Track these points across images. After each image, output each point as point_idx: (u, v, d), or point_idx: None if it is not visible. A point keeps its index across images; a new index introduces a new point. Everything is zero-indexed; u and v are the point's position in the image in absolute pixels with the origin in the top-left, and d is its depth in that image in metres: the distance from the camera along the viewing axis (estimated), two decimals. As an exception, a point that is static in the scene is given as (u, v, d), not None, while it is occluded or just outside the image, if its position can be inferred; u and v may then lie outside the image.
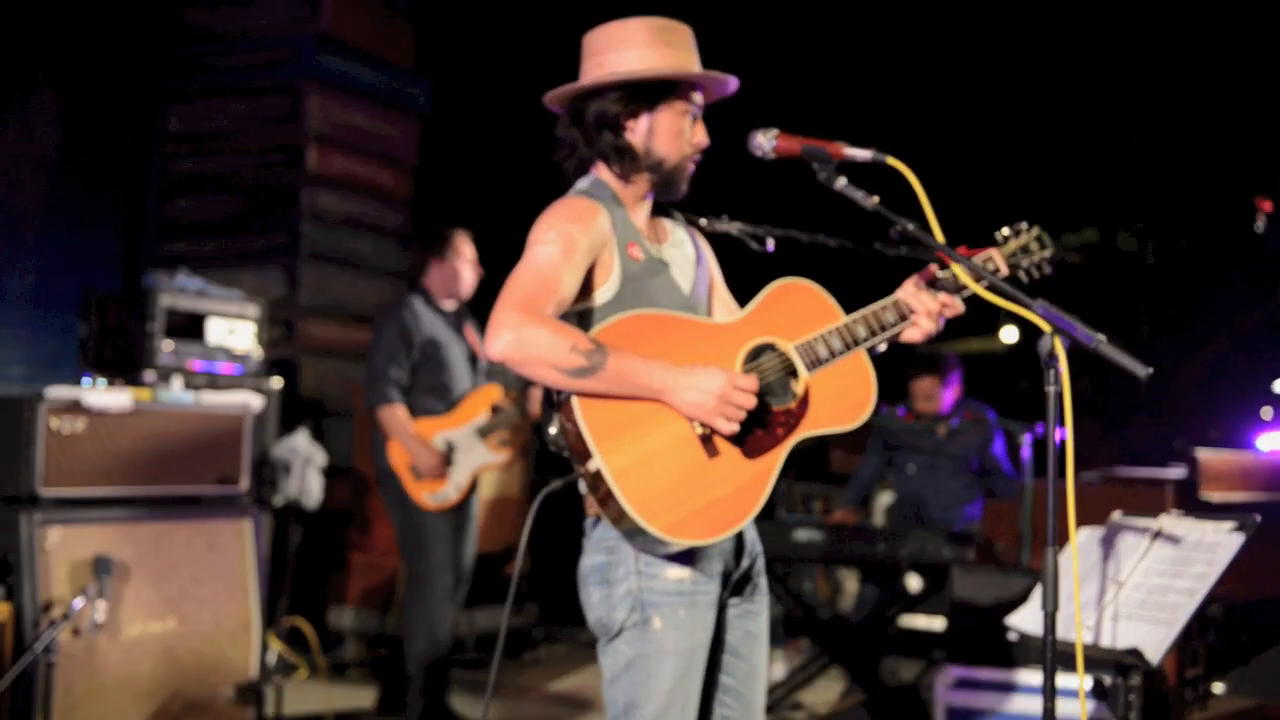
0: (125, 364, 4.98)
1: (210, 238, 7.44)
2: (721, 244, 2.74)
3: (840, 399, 2.43)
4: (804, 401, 2.39)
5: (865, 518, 6.26)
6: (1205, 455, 4.40)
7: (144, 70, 7.41)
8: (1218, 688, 4.72)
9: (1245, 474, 4.63)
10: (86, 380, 4.20)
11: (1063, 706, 2.34)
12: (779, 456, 2.36)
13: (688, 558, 2.34)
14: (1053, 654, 2.29)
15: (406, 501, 4.89)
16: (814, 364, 2.40)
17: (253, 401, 4.62)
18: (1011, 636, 2.90)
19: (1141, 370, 2.23)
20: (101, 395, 4.13)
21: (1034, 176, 10.32)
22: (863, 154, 2.46)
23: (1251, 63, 8.85)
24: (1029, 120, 9.74)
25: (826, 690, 5.90)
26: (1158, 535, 2.84)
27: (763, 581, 2.54)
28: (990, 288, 2.36)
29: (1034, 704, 3.90)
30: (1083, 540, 2.94)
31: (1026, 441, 5.03)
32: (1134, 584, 2.77)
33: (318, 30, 7.26)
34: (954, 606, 4.21)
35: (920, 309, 2.48)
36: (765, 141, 2.50)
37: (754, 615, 2.51)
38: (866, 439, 6.30)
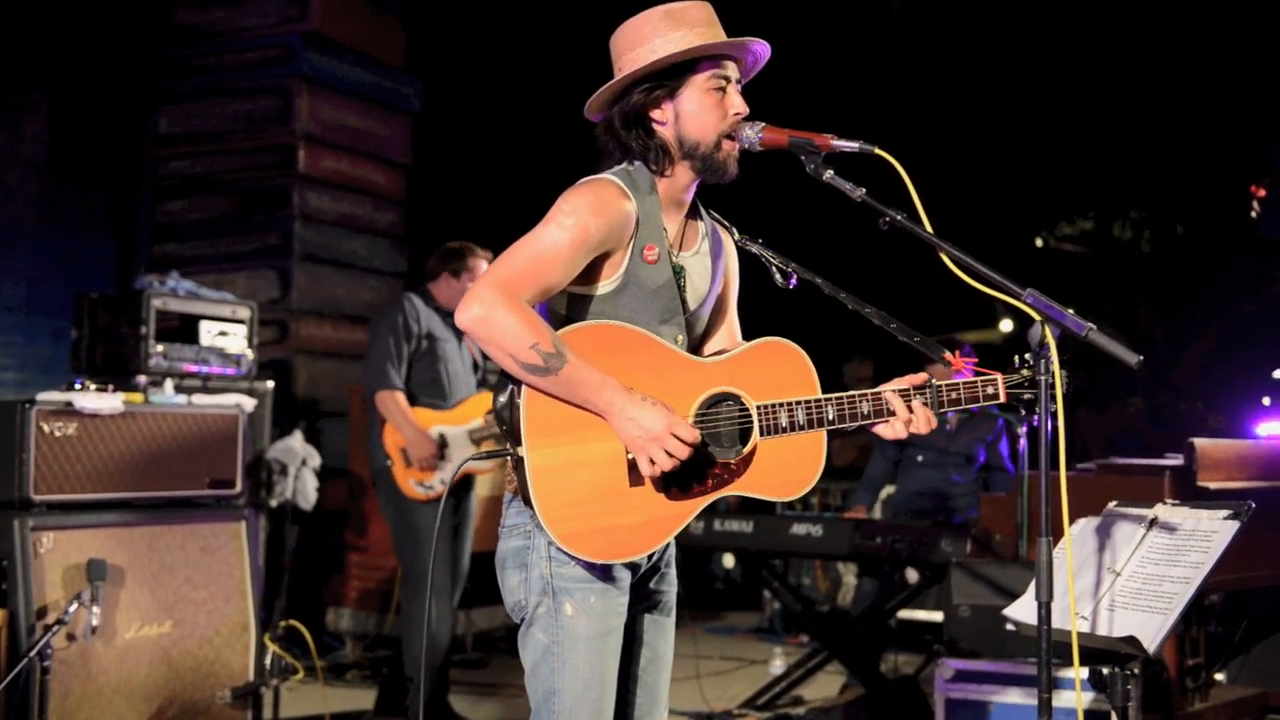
0: (118, 367, 4.98)
1: (202, 239, 7.43)
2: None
3: (783, 470, 2.39)
4: (746, 460, 2.37)
5: (868, 512, 6.26)
6: (1203, 443, 4.38)
7: (134, 72, 7.40)
8: (1218, 676, 4.72)
9: (1243, 462, 4.62)
10: (78, 384, 4.18)
11: (1061, 697, 2.32)
12: (699, 505, 2.36)
13: None
14: (1047, 644, 2.28)
15: (400, 499, 4.89)
16: (771, 429, 2.37)
17: (246, 403, 4.60)
18: (1009, 628, 2.88)
19: (1132, 358, 2.22)
20: (93, 398, 4.11)
21: (1028, 166, 10.31)
22: (850, 145, 2.42)
23: (1245, 51, 8.84)
24: (1023, 111, 9.73)
25: (826, 684, 5.89)
26: (1153, 524, 2.83)
27: (671, 572, 2.56)
28: (977, 276, 2.33)
29: (1033, 695, 3.89)
30: (1078, 530, 2.93)
31: (1023, 432, 5.03)
32: (1130, 573, 2.76)
33: (307, 30, 7.25)
34: (952, 599, 4.20)
35: (900, 415, 2.40)
36: (752, 134, 2.47)
37: (661, 604, 2.54)
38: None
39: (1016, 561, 4.61)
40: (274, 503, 5.16)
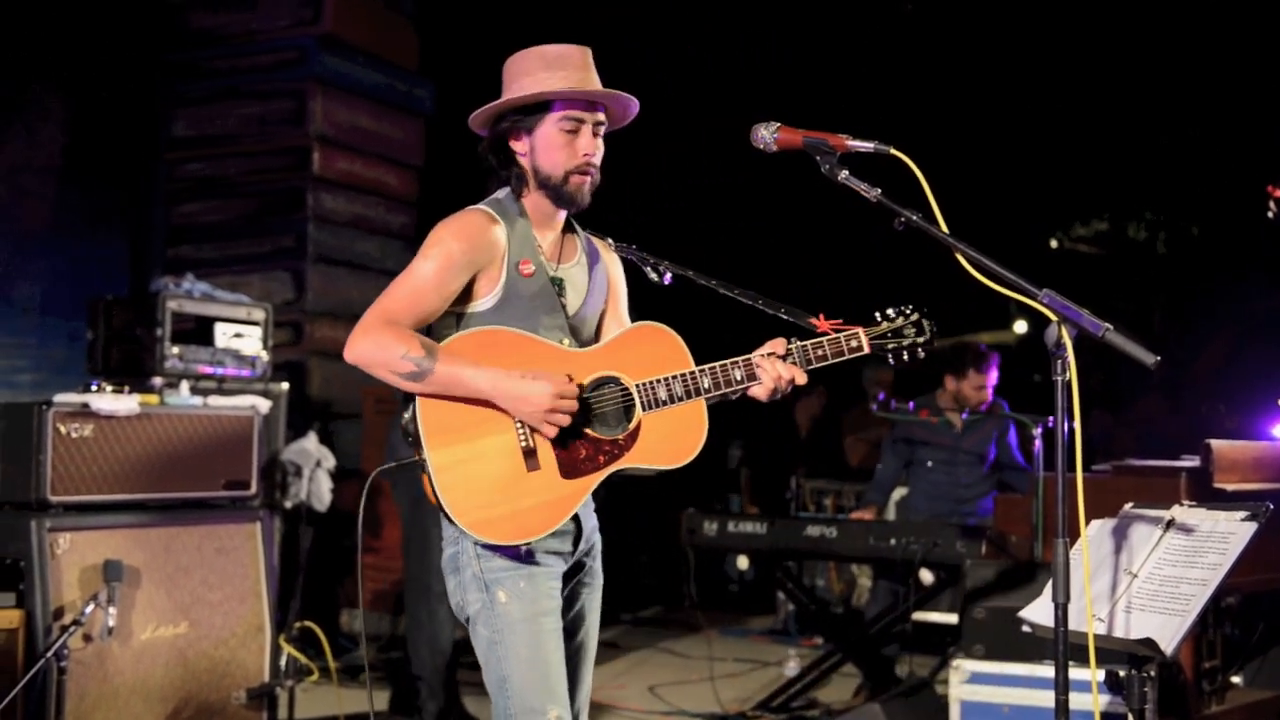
0: (133, 369, 5.00)
1: (217, 242, 7.45)
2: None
3: (670, 440, 2.56)
4: (633, 435, 2.55)
5: (879, 513, 6.26)
6: (1219, 445, 4.37)
7: (148, 75, 7.42)
8: (1235, 679, 4.69)
9: (1260, 463, 4.60)
10: (95, 386, 4.20)
11: (1078, 699, 2.32)
12: (594, 481, 2.54)
13: (518, 548, 2.52)
14: (1064, 646, 2.27)
15: (419, 500, 4.89)
16: (652, 404, 2.54)
17: (261, 405, 4.61)
18: (1025, 630, 2.88)
19: (1149, 358, 2.21)
20: (109, 400, 4.12)
21: (1043, 167, 10.28)
22: (865, 146, 2.47)
23: (1262, 51, 8.80)
24: (1037, 111, 9.70)
25: (841, 687, 5.88)
26: (1170, 525, 2.81)
27: (596, 565, 2.72)
28: (992, 276, 2.33)
29: (1050, 697, 3.89)
30: (1095, 531, 2.91)
31: (1038, 434, 5.02)
32: (1147, 574, 2.75)
33: (320, 32, 7.27)
34: (967, 601, 4.19)
35: (767, 375, 2.58)
36: (767, 135, 2.53)
37: (586, 597, 2.71)
38: (883, 438, 6.30)
39: (1031, 563, 4.60)
40: (289, 504, 5.18)
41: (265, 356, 5.34)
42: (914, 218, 2.38)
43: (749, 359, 2.59)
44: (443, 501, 2.45)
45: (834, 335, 2.63)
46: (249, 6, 7.46)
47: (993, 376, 5.88)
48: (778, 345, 2.61)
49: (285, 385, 5.44)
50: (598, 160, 2.63)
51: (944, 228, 2.37)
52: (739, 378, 2.58)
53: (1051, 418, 2.36)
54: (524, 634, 2.51)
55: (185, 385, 4.78)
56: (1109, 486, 4.30)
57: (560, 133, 2.61)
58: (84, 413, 4.08)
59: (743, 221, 9.92)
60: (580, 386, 2.51)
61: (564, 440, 2.50)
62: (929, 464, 5.98)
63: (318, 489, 5.23)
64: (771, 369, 2.57)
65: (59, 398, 4.08)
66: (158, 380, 4.90)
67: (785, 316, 2.69)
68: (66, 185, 6.85)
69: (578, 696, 2.69)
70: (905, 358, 2.68)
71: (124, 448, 4.17)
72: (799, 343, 2.62)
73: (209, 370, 5.09)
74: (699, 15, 8.24)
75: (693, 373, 2.57)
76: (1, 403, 4.32)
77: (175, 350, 5.01)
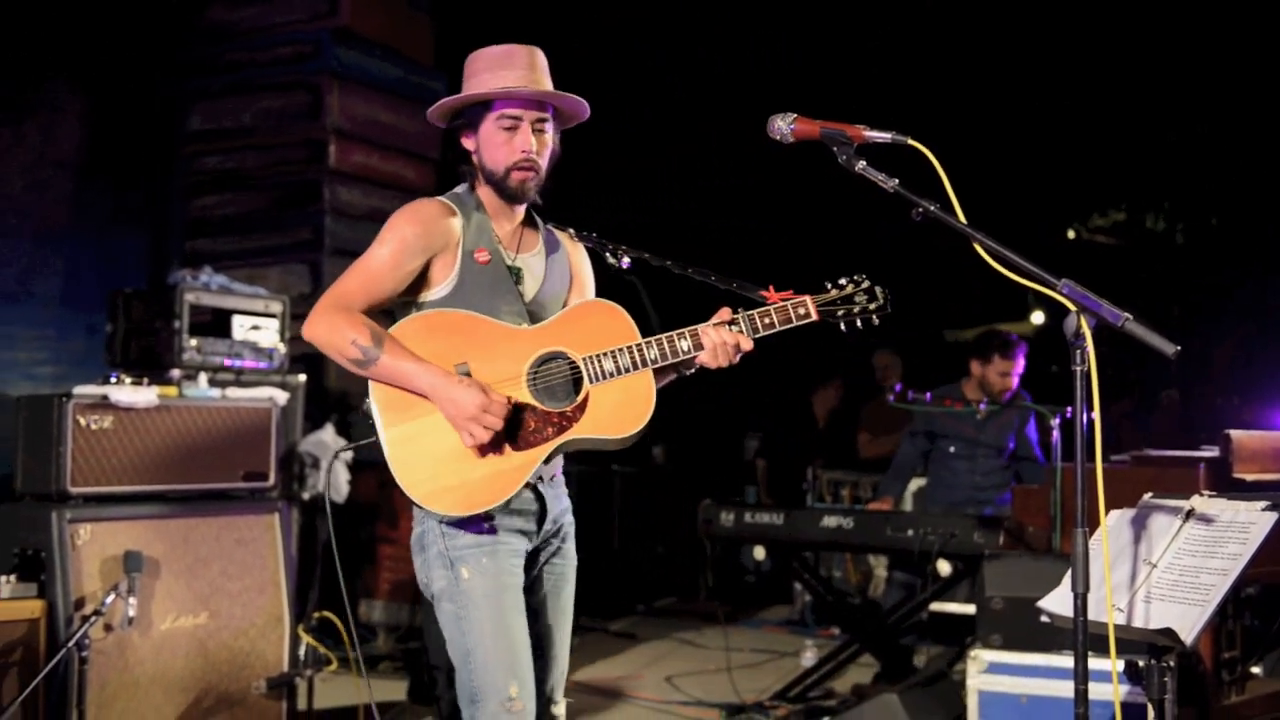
0: (152, 361, 5.03)
1: (234, 235, 7.48)
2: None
3: (618, 410, 2.61)
4: (581, 407, 2.60)
5: (896, 503, 6.25)
6: (1238, 435, 4.34)
7: (165, 69, 7.45)
8: (1255, 670, 4.67)
9: (1279, 454, 4.56)
10: (114, 378, 4.22)
11: (1097, 689, 2.31)
12: (543, 452, 2.59)
13: (481, 525, 2.59)
14: (1083, 636, 2.27)
15: None
16: (599, 375, 2.60)
17: (279, 396, 4.63)
18: (1043, 620, 2.87)
19: (1169, 348, 2.20)
20: (128, 392, 4.15)
21: (1060, 157, 10.23)
22: (883, 136, 2.46)
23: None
24: (1055, 101, 9.66)
25: (857, 677, 5.87)
26: (1190, 515, 2.80)
27: (567, 547, 2.79)
28: (1011, 266, 2.32)
29: (1068, 687, 3.88)
30: (1114, 521, 2.91)
31: (1055, 424, 5.00)
32: (1166, 565, 2.74)
33: (337, 26, 7.29)
34: (985, 592, 4.18)
35: (713, 343, 2.62)
36: (784, 125, 2.52)
37: (554, 578, 2.78)
38: (904, 427, 6.29)
39: (1050, 554, 4.59)
40: (306, 495, 5.19)
41: (283, 349, 5.36)
42: (932, 208, 2.37)
43: (694, 329, 2.64)
44: (395, 474, 2.52)
45: (781, 303, 2.66)
46: (265, 0, 7.48)
47: (1019, 365, 5.86)
48: (724, 314, 2.67)
49: (303, 377, 5.46)
50: (541, 158, 2.70)
51: (962, 218, 2.36)
52: (685, 348, 2.62)
53: (1070, 408, 2.35)
54: (487, 608, 2.58)
55: (203, 377, 4.80)
56: (1127, 477, 4.29)
57: (500, 130, 2.68)
58: (103, 405, 4.10)
59: (753, 222, 9.90)
60: (509, 399, 2.55)
61: (512, 414, 2.55)
62: (951, 450, 5.97)
63: (335, 480, 5.25)
64: (716, 335, 2.62)
65: (79, 390, 4.10)
66: (176, 372, 4.93)
67: (738, 290, 2.74)
68: (85, 180, 6.87)
69: (551, 675, 2.76)
70: (858, 325, 2.71)
71: (143, 439, 4.19)
72: (746, 312, 2.66)
73: (227, 362, 5.11)
74: (709, 17, 8.22)
75: (639, 344, 2.62)
76: (22, 395, 4.35)
77: (193, 342, 5.03)
